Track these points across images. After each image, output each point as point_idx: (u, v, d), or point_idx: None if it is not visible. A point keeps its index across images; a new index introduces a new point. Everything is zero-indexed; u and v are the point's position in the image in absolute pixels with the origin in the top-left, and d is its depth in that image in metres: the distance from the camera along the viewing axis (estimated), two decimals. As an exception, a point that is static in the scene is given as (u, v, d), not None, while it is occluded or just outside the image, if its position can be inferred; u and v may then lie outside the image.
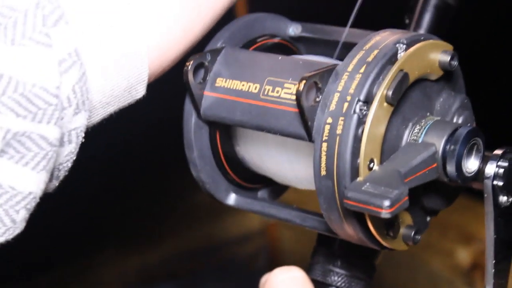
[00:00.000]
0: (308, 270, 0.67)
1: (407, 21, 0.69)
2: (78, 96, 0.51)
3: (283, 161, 0.63)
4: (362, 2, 0.64)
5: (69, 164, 0.55)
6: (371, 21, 0.72)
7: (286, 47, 0.67)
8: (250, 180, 0.67)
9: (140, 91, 0.58)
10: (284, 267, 0.65)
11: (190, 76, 0.61)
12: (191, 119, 0.63)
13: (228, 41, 0.64)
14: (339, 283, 0.66)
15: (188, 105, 0.63)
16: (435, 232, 1.35)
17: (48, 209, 1.75)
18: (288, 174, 0.64)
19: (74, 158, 0.55)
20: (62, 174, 0.55)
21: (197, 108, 0.62)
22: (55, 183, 0.55)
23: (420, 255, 1.35)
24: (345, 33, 0.64)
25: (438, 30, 0.68)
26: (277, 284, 0.62)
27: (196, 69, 0.61)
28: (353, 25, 0.66)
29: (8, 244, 0.57)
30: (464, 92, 0.63)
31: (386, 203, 0.51)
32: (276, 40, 0.66)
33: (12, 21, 0.48)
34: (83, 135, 0.54)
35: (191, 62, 0.60)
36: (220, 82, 0.62)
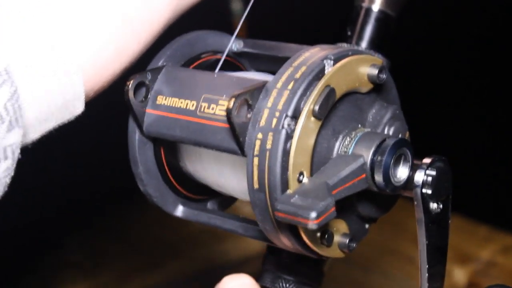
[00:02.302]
0: (258, 277, 0.69)
1: (349, 33, 0.70)
2: (11, 113, 0.52)
3: (221, 175, 0.65)
4: (249, 11, 0.66)
5: (8, 180, 0.55)
6: (317, 33, 0.75)
7: (230, 63, 0.69)
8: (197, 192, 0.69)
9: (78, 107, 0.59)
10: (233, 275, 0.66)
11: (131, 94, 0.62)
12: (134, 136, 0.65)
13: (170, 59, 0.66)
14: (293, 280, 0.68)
15: (131, 123, 0.65)
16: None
17: (47, 231, 1.76)
18: (227, 187, 0.66)
19: (12, 174, 0.55)
20: (1, 190, 0.55)
21: (139, 125, 0.64)
22: None
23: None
24: (231, 41, 0.67)
25: (380, 41, 0.70)
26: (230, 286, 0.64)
27: (137, 88, 0.63)
28: (300, 40, 0.68)
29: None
30: (398, 103, 0.64)
31: (313, 214, 0.53)
32: (219, 56, 0.68)
33: None
34: (19, 151, 0.54)
35: (132, 82, 0.62)
36: (161, 100, 0.63)
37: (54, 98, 0.56)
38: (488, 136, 2.24)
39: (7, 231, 1.64)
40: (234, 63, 0.69)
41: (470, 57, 2.19)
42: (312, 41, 0.65)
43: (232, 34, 0.70)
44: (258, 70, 0.70)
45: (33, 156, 0.60)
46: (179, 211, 0.68)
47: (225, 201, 0.71)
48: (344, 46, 0.68)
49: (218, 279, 0.69)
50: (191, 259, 1.67)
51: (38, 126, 0.57)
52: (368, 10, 0.70)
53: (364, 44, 0.69)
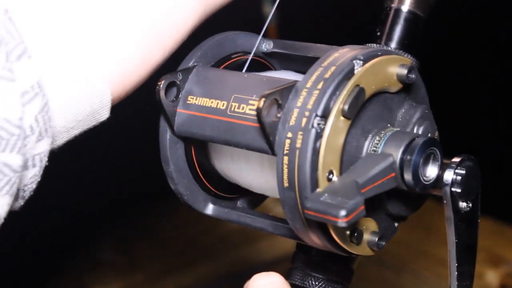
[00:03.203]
0: (287, 274, 0.69)
1: (378, 33, 0.70)
2: (41, 125, 0.53)
3: (252, 173, 0.65)
4: (272, 17, 0.66)
5: (34, 186, 0.56)
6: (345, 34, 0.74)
7: (260, 63, 0.69)
8: (227, 190, 0.69)
9: (104, 115, 0.59)
10: (263, 273, 0.66)
11: (162, 94, 0.63)
12: (166, 135, 0.65)
13: (200, 59, 0.66)
14: (317, 287, 0.68)
15: (162, 122, 0.65)
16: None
17: (82, 231, 1.75)
18: (257, 185, 0.66)
19: (39, 179, 0.56)
20: (27, 194, 0.56)
21: (170, 124, 0.64)
22: (21, 202, 0.57)
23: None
24: (258, 41, 0.67)
25: (409, 41, 0.69)
26: (259, 285, 0.64)
27: (168, 88, 0.63)
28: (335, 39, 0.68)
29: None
30: (427, 102, 0.64)
31: (342, 213, 0.53)
32: (247, 56, 0.68)
33: None
34: (47, 159, 0.55)
35: (163, 82, 0.62)
36: (192, 99, 0.64)
37: (82, 107, 0.57)
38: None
39: (42, 231, 1.65)
40: (264, 63, 0.69)
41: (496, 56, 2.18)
42: (340, 42, 0.65)
43: (263, 35, 0.70)
44: (288, 70, 0.70)
45: (66, 158, 0.61)
46: (209, 209, 0.68)
47: (255, 199, 0.71)
48: (374, 46, 0.68)
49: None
50: (224, 259, 1.67)
51: (65, 134, 0.58)
52: (397, 11, 0.69)
53: (393, 44, 0.69)
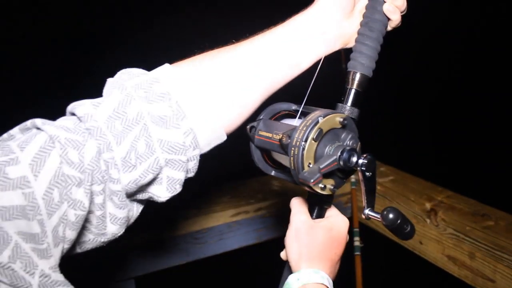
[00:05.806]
0: (307, 198, 0.77)
1: (342, 98, 0.74)
2: (193, 144, 0.60)
3: (284, 160, 0.74)
4: (309, 94, 0.70)
5: (196, 168, 0.62)
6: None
7: (292, 115, 0.76)
8: (279, 165, 0.77)
9: (223, 138, 0.65)
10: (295, 197, 0.75)
11: (248, 131, 0.72)
12: (252, 146, 0.75)
13: (265, 115, 0.74)
14: (318, 202, 0.75)
15: (250, 142, 0.75)
16: (415, 196, 1.35)
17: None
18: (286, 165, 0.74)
19: (198, 165, 0.62)
20: (194, 170, 0.63)
21: (253, 142, 0.74)
22: (191, 174, 0.63)
23: (409, 204, 1.36)
24: (301, 107, 0.72)
25: (356, 102, 0.74)
26: (293, 202, 0.74)
27: (251, 129, 0.73)
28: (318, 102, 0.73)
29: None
30: (355, 131, 0.69)
31: (312, 180, 0.62)
32: (286, 112, 0.76)
33: (165, 121, 0.57)
34: (199, 157, 0.62)
35: (249, 126, 0.72)
36: (261, 132, 0.73)
37: (212, 136, 0.64)
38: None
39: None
40: (294, 115, 0.77)
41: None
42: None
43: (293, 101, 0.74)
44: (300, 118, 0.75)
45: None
46: (272, 173, 0.77)
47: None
48: (339, 105, 0.73)
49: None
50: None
51: (207, 146, 0.64)
52: (350, 89, 0.74)
53: (349, 103, 0.73)
